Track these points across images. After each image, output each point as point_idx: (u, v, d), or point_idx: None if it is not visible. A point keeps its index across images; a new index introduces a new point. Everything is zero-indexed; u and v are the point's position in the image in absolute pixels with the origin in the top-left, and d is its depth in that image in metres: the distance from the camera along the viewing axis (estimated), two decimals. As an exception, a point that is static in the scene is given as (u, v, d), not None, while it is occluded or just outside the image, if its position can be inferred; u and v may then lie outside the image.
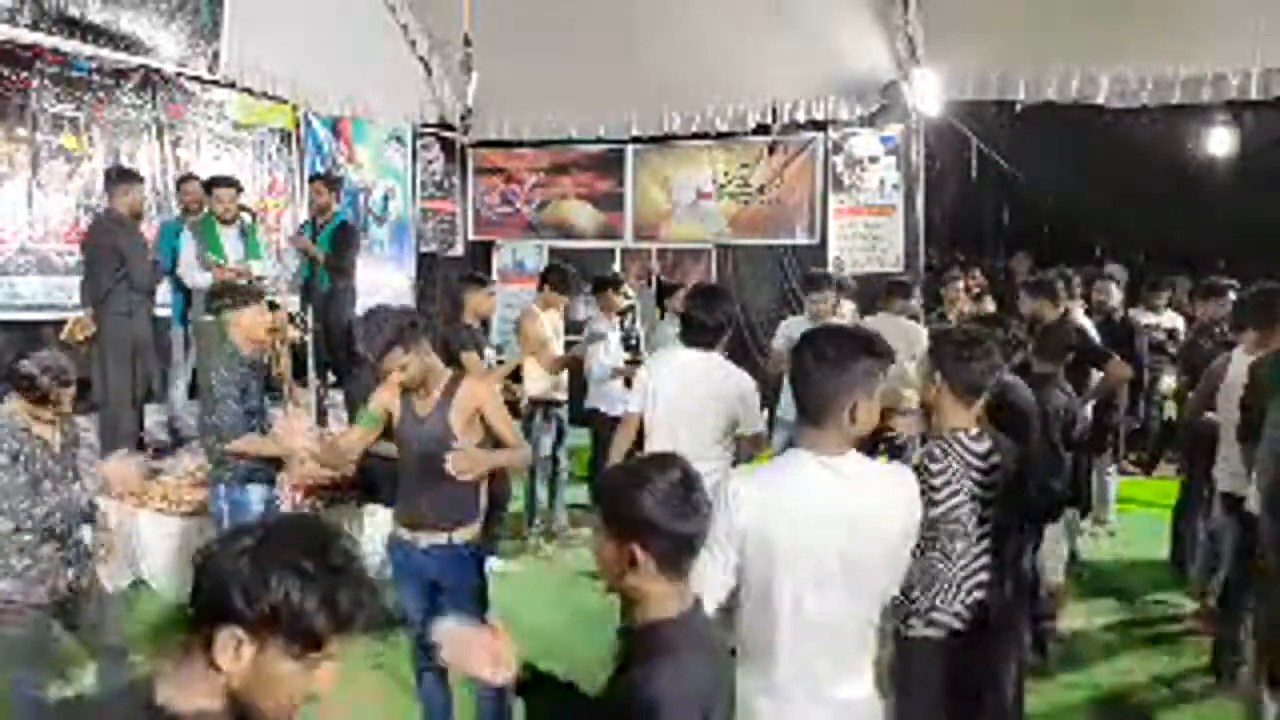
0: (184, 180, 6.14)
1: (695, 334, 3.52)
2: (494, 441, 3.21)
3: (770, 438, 5.30)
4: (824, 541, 1.90)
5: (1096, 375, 5.01)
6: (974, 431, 2.55)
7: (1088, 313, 5.88)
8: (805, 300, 6.07)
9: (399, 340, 3.02)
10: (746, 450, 3.51)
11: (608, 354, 5.80)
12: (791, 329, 5.87)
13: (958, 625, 2.51)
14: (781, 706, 1.95)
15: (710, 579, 1.89)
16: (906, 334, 5.70)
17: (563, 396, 5.81)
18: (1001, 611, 2.62)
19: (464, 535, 3.17)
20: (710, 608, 1.86)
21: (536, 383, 5.65)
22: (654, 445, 3.53)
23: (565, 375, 5.78)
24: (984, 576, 2.54)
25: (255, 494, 3.91)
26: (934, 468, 2.48)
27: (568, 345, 6.03)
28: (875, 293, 6.88)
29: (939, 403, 2.61)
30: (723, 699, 1.66)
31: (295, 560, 1.23)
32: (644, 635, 1.64)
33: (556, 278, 5.80)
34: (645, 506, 1.60)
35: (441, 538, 3.12)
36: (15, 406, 3.06)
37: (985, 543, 2.54)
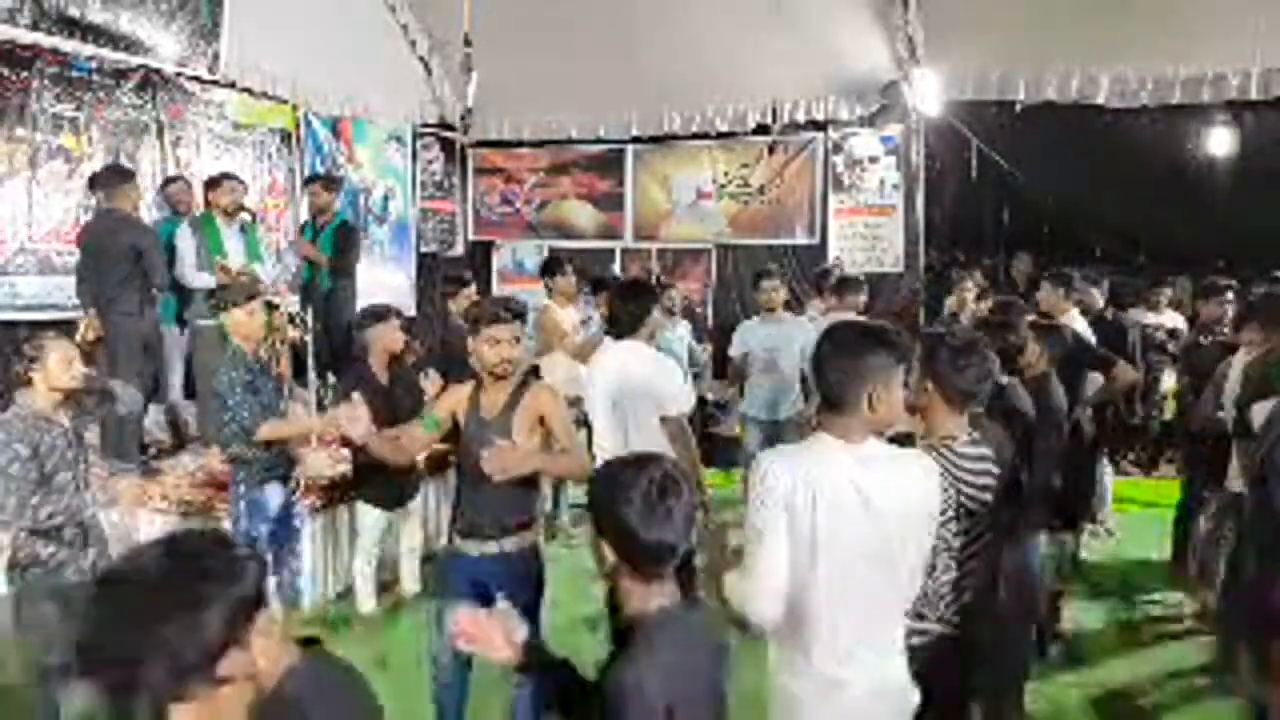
0: (170, 181, 6.10)
1: (615, 325, 3.86)
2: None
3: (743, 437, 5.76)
4: (847, 517, 1.97)
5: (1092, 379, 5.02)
6: (964, 438, 2.49)
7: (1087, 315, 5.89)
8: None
9: (522, 317, 3.07)
10: (672, 429, 3.68)
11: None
12: (745, 333, 5.91)
13: (947, 631, 2.48)
14: (819, 688, 2.00)
15: (762, 572, 1.99)
16: None
17: (581, 394, 5.84)
18: (998, 614, 2.61)
19: (518, 542, 3.13)
20: (770, 601, 1.98)
21: (555, 380, 5.68)
22: (597, 431, 3.86)
23: (583, 373, 5.81)
24: (974, 579, 2.51)
25: (273, 494, 3.92)
26: None
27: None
28: (874, 292, 6.92)
29: (930, 408, 2.54)
30: (703, 694, 1.68)
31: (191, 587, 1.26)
32: (628, 628, 1.69)
33: (554, 267, 5.97)
34: (617, 512, 1.64)
35: (493, 546, 3.09)
36: (31, 394, 3.13)
37: (975, 547, 2.51)
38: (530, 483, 3.16)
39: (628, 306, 3.83)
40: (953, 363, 2.50)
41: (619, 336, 3.84)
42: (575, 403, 5.77)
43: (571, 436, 3.17)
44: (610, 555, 1.67)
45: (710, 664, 1.73)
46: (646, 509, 1.62)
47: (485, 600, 3.13)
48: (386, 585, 4.93)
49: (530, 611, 3.18)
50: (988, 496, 2.48)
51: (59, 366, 3.12)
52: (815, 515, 1.97)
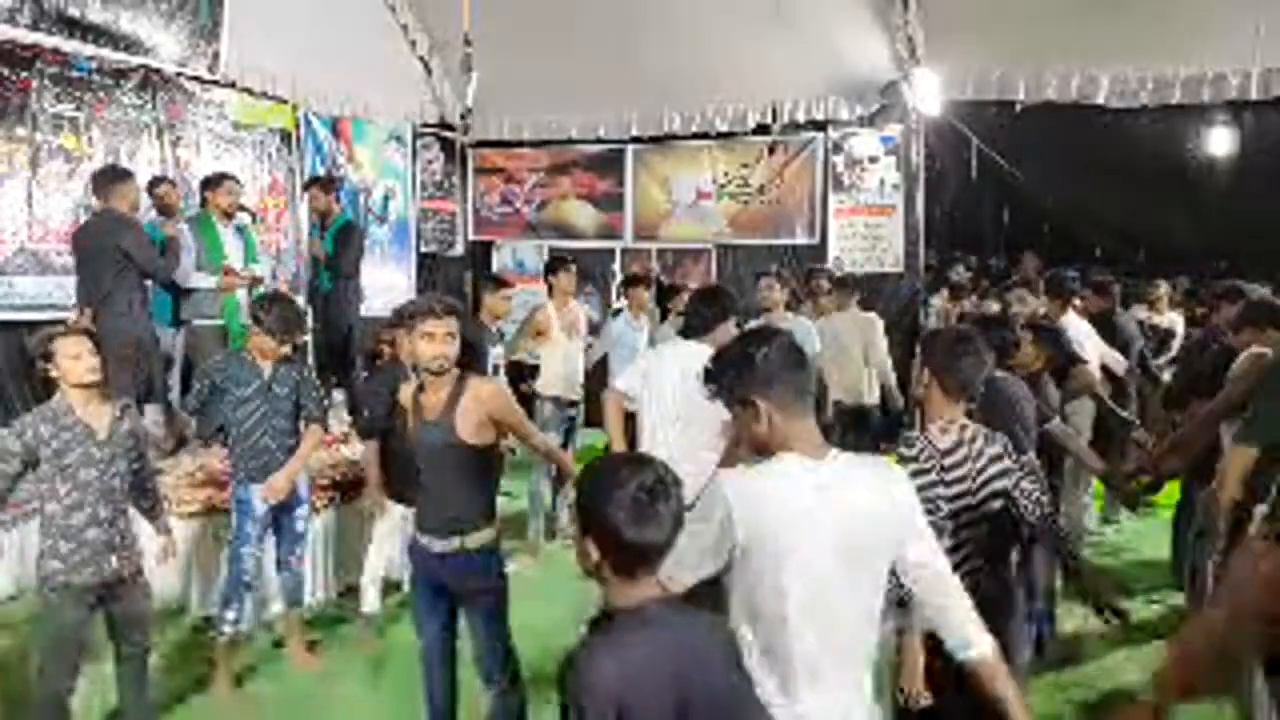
0: (157, 183, 6.05)
1: (689, 327, 3.79)
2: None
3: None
4: (817, 538, 1.87)
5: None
6: (954, 428, 2.58)
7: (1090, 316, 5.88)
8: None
9: (458, 314, 3.06)
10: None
11: (630, 349, 5.84)
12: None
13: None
14: (785, 710, 1.92)
15: (687, 559, 1.87)
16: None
17: (577, 396, 5.85)
18: (995, 607, 2.60)
19: (478, 540, 3.11)
20: (687, 581, 1.88)
21: (550, 381, 5.69)
22: (648, 437, 3.69)
23: (581, 375, 5.83)
24: (969, 570, 2.52)
25: (255, 492, 3.92)
26: (906, 454, 2.52)
27: (588, 347, 6.11)
28: (874, 292, 6.92)
29: (929, 399, 2.63)
30: (668, 694, 1.63)
31: None
32: (601, 621, 1.70)
33: (555, 266, 5.90)
34: (605, 510, 1.62)
35: (455, 543, 3.08)
36: (63, 392, 3.12)
37: (969, 537, 2.55)
38: (483, 479, 3.16)
39: (701, 310, 3.78)
40: (947, 354, 2.57)
41: (688, 337, 3.77)
42: (572, 404, 5.82)
43: (527, 426, 3.21)
44: (594, 552, 1.66)
45: (686, 667, 1.68)
46: (635, 509, 1.61)
47: (448, 596, 3.14)
48: (390, 584, 4.92)
49: (495, 611, 3.18)
50: (968, 487, 2.53)
51: (69, 363, 3.07)
52: (780, 538, 1.86)
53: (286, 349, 3.94)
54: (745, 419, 1.96)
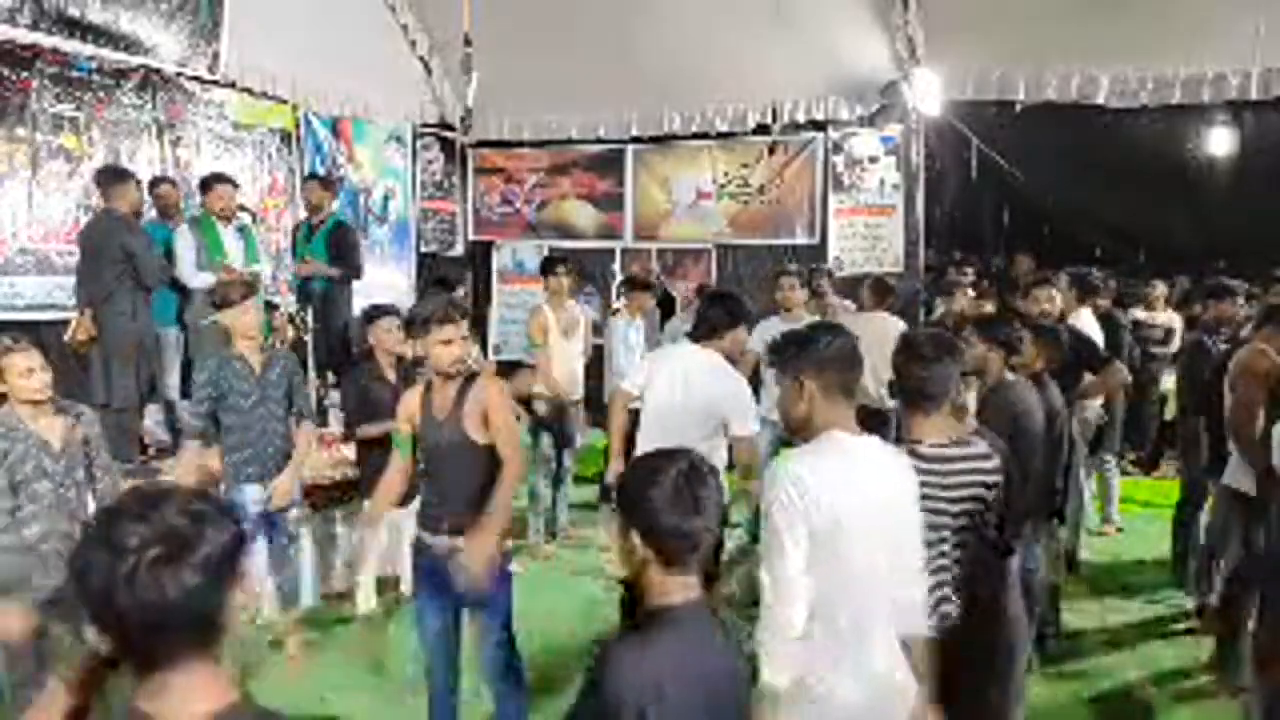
0: (157, 183, 6.05)
1: (697, 330, 3.77)
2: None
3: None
4: (876, 509, 2.06)
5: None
6: (928, 441, 2.43)
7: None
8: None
9: (458, 314, 3.07)
10: (743, 449, 3.65)
11: (628, 350, 5.84)
12: (763, 332, 5.81)
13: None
14: (866, 685, 2.05)
15: (794, 583, 2.00)
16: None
17: (576, 396, 5.85)
18: (986, 610, 2.59)
19: None
20: (800, 617, 1.99)
21: (545, 381, 5.70)
22: (641, 433, 3.72)
23: (581, 376, 5.83)
24: (948, 579, 2.46)
25: (249, 494, 3.92)
26: None
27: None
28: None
29: (901, 411, 2.59)
30: (695, 697, 1.64)
31: None
32: (642, 619, 1.70)
33: (549, 266, 5.92)
34: (648, 501, 1.66)
35: (460, 541, 3.08)
36: (11, 405, 3.03)
37: (947, 546, 2.45)
38: (491, 477, 3.15)
39: (710, 312, 3.75)
40: (906, 364, 2.49)
41: (696, 340, 3.74)
42: (572, 404, 5.82)
43: (512, 434, 3.15)
44: (639, 546, 1.66)
45: (712, 667, 1.69)
46: (675, 496, 1.65)
47: (453, 594, 3.12)
48: (385, 584, 4.92)
49: (500, 610, 3.18)
50: (952, 500, 2.42)
51: (17, 379, 2.98)
52: (846, 509, 2.01)
53: (260, 318, 3.98)
54: (791, 395, 2.15)
